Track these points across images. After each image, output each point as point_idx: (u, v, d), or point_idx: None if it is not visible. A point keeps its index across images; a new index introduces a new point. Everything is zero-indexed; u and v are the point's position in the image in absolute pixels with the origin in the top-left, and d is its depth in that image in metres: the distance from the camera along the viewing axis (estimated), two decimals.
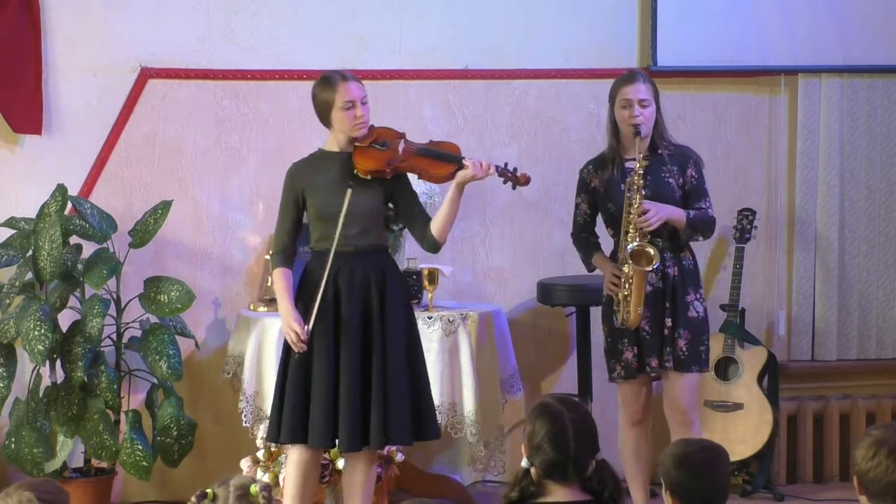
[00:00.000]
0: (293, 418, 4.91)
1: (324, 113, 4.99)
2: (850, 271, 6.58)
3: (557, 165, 6.44)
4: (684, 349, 5.25)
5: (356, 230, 4.95)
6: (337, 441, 4.96)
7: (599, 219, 5.45)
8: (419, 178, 5.29)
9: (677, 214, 5.23)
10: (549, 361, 6.50)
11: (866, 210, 6.59)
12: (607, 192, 5.31)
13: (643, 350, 5.26)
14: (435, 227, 5.05)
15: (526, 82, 6.43)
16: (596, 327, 6.32)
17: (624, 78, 5.34)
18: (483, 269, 6.44)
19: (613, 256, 5.34)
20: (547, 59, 6.42)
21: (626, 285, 5.18)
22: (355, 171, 4.95)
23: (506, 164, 5.08)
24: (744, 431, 6.20)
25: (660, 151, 5.30)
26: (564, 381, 6.43)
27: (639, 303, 5.18)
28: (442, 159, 5.03)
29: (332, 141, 5.05)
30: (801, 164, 6.53)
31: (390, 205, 5.11)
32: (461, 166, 5.01)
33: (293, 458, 5.00)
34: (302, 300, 4.98)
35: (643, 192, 5.17)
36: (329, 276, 4.90)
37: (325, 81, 5.00)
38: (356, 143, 4.99)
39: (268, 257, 5.71)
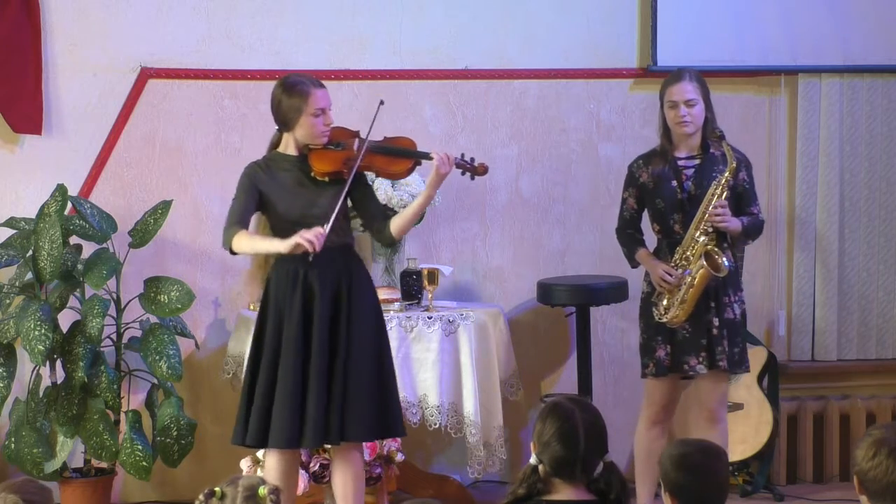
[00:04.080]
0: (260, 421, 4.84)
1: (289, 117, 4.88)
2: (850, 271, 6.57)
3: (557, 165, 6.44)
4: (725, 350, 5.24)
5: None
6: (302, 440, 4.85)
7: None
8: (377, 176, 5.23)
9: (737, 225, 5.23)
10: (549, 361, 6.49)
11: (866, 210, 6.58)
12: (657, 187, 5.28)
13: (680, 349, 5.23)
14: (397, 223, 4.97)
15: (526, 82, 6.42)
16: (596, 327, 6.34)
17: (671, 77, 5.32)
18: (483, 269, 6.43)
19: (657, 253, 5.33)
20: (547, 59, 6.41)
21: (682, 286, 5.16)
22: (312, 174, 4.88)
23: (462, 155, 5.01)
24: (744, 431, 6.19)
25: (711, 150, 5.27)
26: (564, 381, 6.43)
27: (693, 304, 5.17)
28: (399, 155, 4.96)
29: (287, 143, 4.96)
30: (801, 164, 6.52)
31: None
32: (418, 162, 4.97)
33: (269, 462, 4.94)
34: (273, 303, 4.91)
35: (694, 191, 5.19)
36: (300, 276, 4.85)
37: (296, 86, 4.88)
38: (311, 146, 4.91)
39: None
